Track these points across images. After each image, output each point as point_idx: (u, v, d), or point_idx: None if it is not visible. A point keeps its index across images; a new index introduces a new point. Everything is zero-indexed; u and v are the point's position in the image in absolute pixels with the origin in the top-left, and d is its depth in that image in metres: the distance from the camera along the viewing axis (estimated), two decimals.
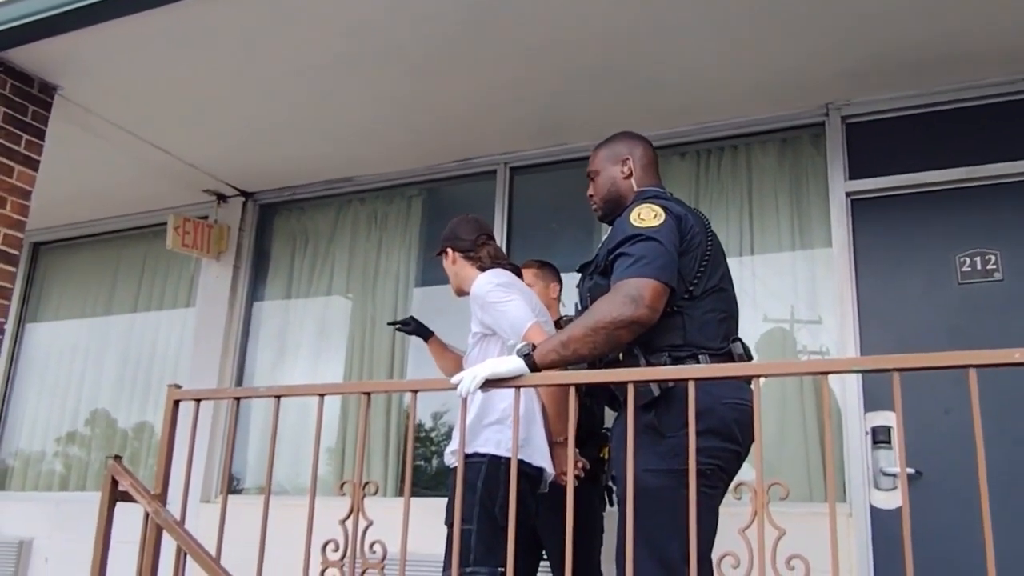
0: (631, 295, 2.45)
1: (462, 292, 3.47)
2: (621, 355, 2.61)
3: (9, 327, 5.39)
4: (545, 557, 3.71)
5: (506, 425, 3.06)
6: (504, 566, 2.92)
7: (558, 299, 3.99)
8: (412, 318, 4.06)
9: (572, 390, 2.48)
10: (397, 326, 4.09)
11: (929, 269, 3.94)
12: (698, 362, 2.53)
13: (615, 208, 2.89)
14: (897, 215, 4.07)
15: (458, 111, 4.57)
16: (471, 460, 3.00)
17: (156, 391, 5.82)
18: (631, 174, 2.89)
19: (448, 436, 4.89)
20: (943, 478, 3.63)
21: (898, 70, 3.97)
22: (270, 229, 5.83)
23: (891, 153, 4.13)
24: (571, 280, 3.55)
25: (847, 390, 3.90)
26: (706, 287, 2.64)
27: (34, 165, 4.26)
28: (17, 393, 6.38)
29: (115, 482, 2.95)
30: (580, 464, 3.32)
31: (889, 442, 3.76)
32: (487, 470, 3.03)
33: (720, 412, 2.48)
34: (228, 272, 5.67)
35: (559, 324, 3.64)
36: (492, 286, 3.19)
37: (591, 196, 2.99)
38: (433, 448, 5.00)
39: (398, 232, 5.36)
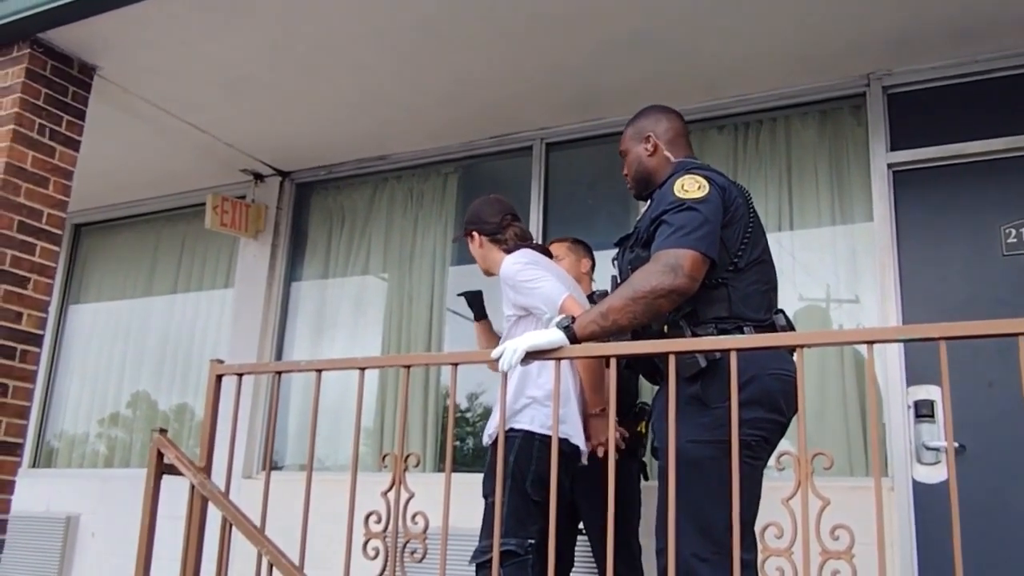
0: (670, 264, 2.45)
1: (490, 273, 3.48)
2: (666, 327, 2.60)
3: (52, 308, 5.47)
4: (582, 530, 3.72)
5: (542, 403, 3.08)
6: (534, 538, 2.96)
7: (589, 274, 3.98)
8: (480, 292, 3.78)
9: (613, 361, 2.48)
10: (467, 294, 3.79)
11: (973, 241, 3.88)
12: (742, 333, 2.51)
13: (647, 186, 2.90)
14: (940, 187, 4.00)
15: (492, 85, 4.55)
16: (506, 436, 3.02)
17: (196, 373, 5.89)
18: (656, 150, 2.88)
19: (484, 416, 4.91)
20: (987, 452, 3.58)
21: (942, 37, 3.89)
22: (307, 208, 5.85)
23: (934, 123, 4.06)
24: (605, 256, 3.54)
25: (889, 363, 3.86)
26: (750, 259, 2.63)
27: (75, 146, 4.32)
28: (61, 375, 6.47)
29: (160, 455, 2.99)
30: (619, 433, 3.32)
31: (932, 416, 3.72)
32: (520, 445, 3.06)
33: (765, 382, 2.47)
34: (266, 251, 5.70)
35: (591, 299, 3.63)
36: (520, 266, 3.20)
37: (626, 175, 2.99)
38: (469, 428, 5.01)
39: (434, 210, 5.36)
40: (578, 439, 3.18)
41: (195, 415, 5.84)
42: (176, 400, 6.00)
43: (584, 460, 3.23)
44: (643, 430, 3.75)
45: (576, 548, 3.72)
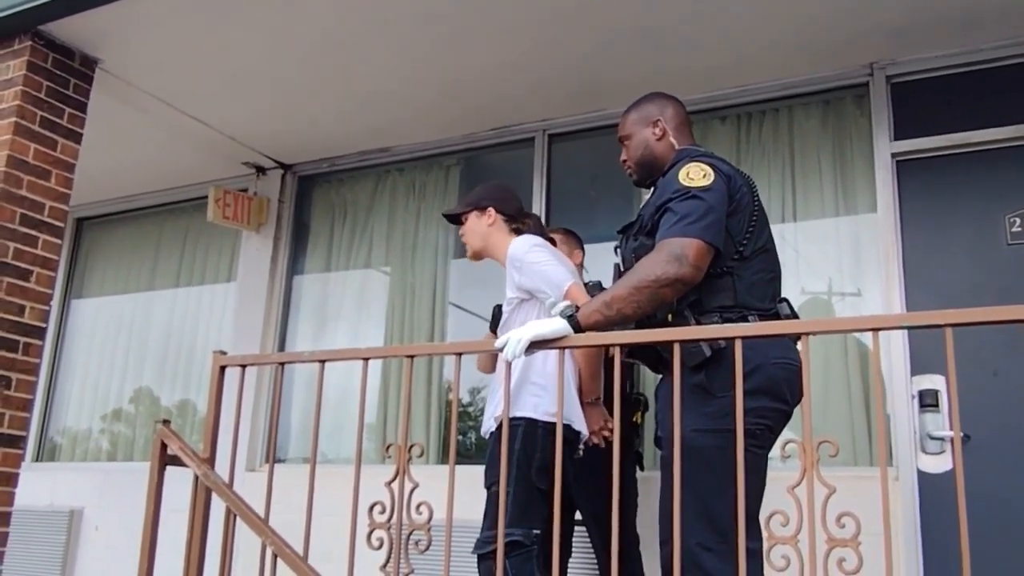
0: (675, 254, 2.44)
1: (480, 256, 3.42)
2: (671, 316, 2.59)
3: (55, 303, 5.46)
4: (579, 520, 3.71)
5: (543, 389, 3.06)
6: (539, 528, 2.94)
7: (581, 266, 3.97)
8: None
9: (617, 350, 2.47)
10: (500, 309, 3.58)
11: (977, 230, 3.86)
12: (747, 322, 2.51)
13: (651, 171, 2.88)
14: (944, 176, 3.99)
15: (493, 77, 4.54)
16: (509, 424, 3.01)
17: (199, 369, 5.89)
18: (664, 135, 2.87)
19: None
20: (991, 441, 3.56)
21: (945, 26, 3.87)
22: (309, 201, 5.84)
23: (937, 112, 4.04)
24: (608, 248, 3.53)
25: (893, 353, 3.84)
26: (755, 247, 2.62)
27: (77, 138, 4.32)
28: (63, 370, 6.47)
29: (164, 446, 2.99)
30: (609, 423, 3.30)
31: (936, 406, 3.71)
32: (524, 433, 3.03)
33: (769, 371, 2.46)
34: (268, 244, 5.70)
35: (587, 289, 3.61)
36: (529, 246, 3.19)
37: (624, 161, 2.97)
38: (471, 423, 5.01)
39: (436, 202, 5.35)
40: (580, 425, 3.18)
41: (198, 411, 5.84)
42: (179, 396, 6.00)
43: (580, 452, 3.22)
44: (639, 420, 3.74)
45: (573, 538, 3.72)
